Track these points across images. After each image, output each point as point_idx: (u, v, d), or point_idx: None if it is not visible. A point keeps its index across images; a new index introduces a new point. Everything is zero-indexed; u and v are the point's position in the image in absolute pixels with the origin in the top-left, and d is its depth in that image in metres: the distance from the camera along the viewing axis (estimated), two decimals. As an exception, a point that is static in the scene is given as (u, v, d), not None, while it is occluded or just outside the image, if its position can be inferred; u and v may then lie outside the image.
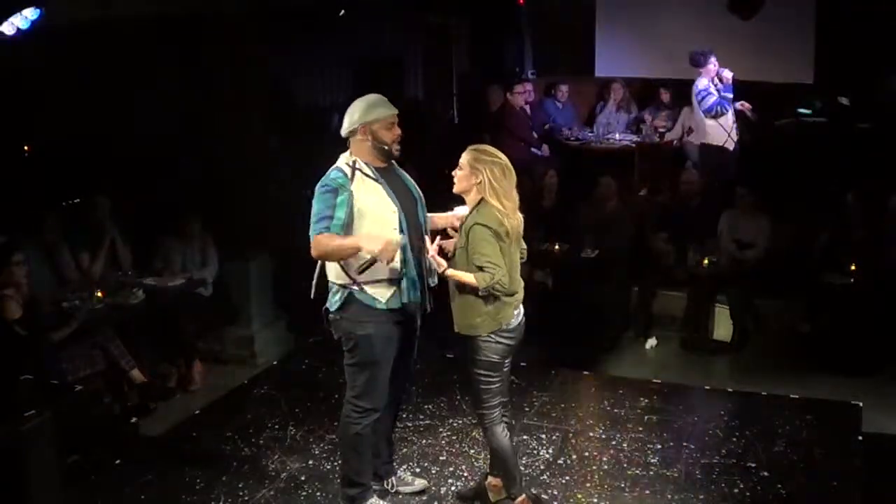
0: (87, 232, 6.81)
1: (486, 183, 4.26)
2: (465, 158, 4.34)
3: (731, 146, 8.65)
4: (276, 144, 7.85)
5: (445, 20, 10.94)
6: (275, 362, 6.99)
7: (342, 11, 8.81)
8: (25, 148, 7.22)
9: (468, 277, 4.24)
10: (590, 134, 10.39)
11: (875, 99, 8.76)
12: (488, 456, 5.28)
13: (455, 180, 4.37)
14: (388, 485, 4.93)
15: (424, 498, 4.91)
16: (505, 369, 4.50)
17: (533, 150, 9.64)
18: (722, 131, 8.62)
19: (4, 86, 6.30)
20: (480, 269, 4.20)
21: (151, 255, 7.07)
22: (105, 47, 6.87)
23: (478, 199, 4.32)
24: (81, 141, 7.11)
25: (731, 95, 8.59)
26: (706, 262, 7.29)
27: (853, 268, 7.01)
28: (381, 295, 4.38)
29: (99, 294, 6.31)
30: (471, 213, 4.34)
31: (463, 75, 11.27)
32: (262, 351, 7.25)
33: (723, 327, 7.57)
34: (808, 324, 7.34)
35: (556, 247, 7.53)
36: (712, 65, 8.55)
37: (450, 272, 4.28)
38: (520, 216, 4.42)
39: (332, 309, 4.45)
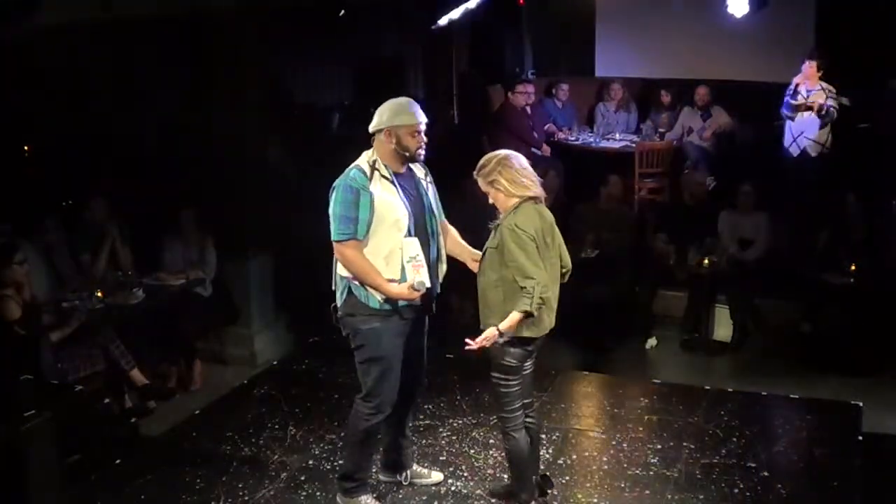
0: (87, 232, 6.81)
1: (505, 186, 4.23)
2: (480, 185, 4.32)
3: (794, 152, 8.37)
4: (277, 144, 7.84)
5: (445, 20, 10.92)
6: (275, 362, 6.97)
7: (342, 11, 8.80)
8: (25, 148, 7.22)
9: (516, 317, 4.13)
10: (590, 134, 10.40)
11: (875, 99, 8.75)
12: (489, 456, 5.30)
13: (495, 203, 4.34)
14: (402, 477, 4.93)
15: (424, 497, 4.89)
16: (525, 372, 4.41)
17: (533, 150, 9.63)
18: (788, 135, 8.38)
19: (4, 86, 6.30)
20: (522, 287, 4.12)
21: (151, 255, 7.06)
22: (105, 47, 6.88)
23: (514, 203, 4.25)
24: (81, 141, 7.10)
25: (794, 103, 8.22)
26: (706, 262, 7.29)
27: (853, 268, 7.01)
28: (378, 294, 4.36)
29: (99, 294, 6.30)
30: (507, 215, 4.25)
31: (463, 75, 11.26)
32: (262, 351, 7.25)
33: (723, 327, 7.57)
34: (808, 324, 7.34)
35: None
36: (806, 69, 8.19)
37: (503, 326, 4.16)
38: (549, 215, 4.37)
39: (338, 303, 4.47)
